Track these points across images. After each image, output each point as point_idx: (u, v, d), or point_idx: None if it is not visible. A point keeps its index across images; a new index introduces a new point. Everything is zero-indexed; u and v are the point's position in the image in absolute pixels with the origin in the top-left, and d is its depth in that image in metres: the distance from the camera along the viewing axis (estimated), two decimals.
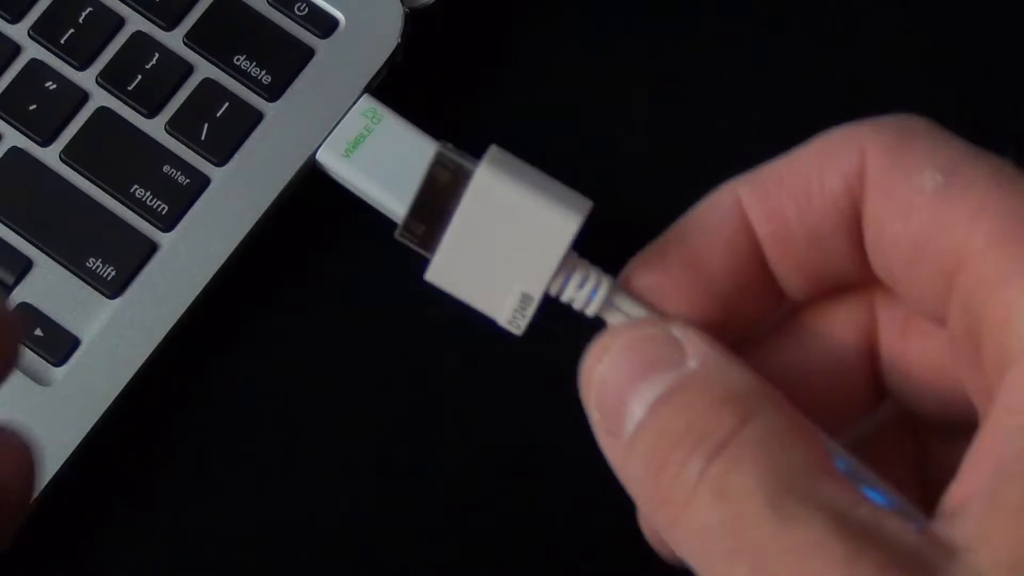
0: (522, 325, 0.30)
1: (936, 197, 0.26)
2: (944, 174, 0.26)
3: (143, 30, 0.46)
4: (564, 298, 0.30)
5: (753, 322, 0.30)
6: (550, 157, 0.48)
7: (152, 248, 0.44)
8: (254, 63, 0.46)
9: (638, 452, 0.27)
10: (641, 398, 0.27)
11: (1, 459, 0.28)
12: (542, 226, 0.29)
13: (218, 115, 0.45)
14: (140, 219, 0.44)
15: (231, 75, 0.46)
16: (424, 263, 0.30)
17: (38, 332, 0.43)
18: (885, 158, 0.27)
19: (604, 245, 0.47)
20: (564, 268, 0.30)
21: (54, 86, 0.46)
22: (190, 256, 0.44)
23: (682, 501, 0.25)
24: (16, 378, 0.42)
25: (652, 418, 0.27)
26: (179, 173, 0.45)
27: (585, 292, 0.30)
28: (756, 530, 0.24)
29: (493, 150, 0.30)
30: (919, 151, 0.27)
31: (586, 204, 0.31)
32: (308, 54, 0.46)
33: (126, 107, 0.46)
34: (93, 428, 0.42)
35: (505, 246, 0.29)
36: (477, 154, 0.30)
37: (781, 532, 0.24)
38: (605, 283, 0.30)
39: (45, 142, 0.45)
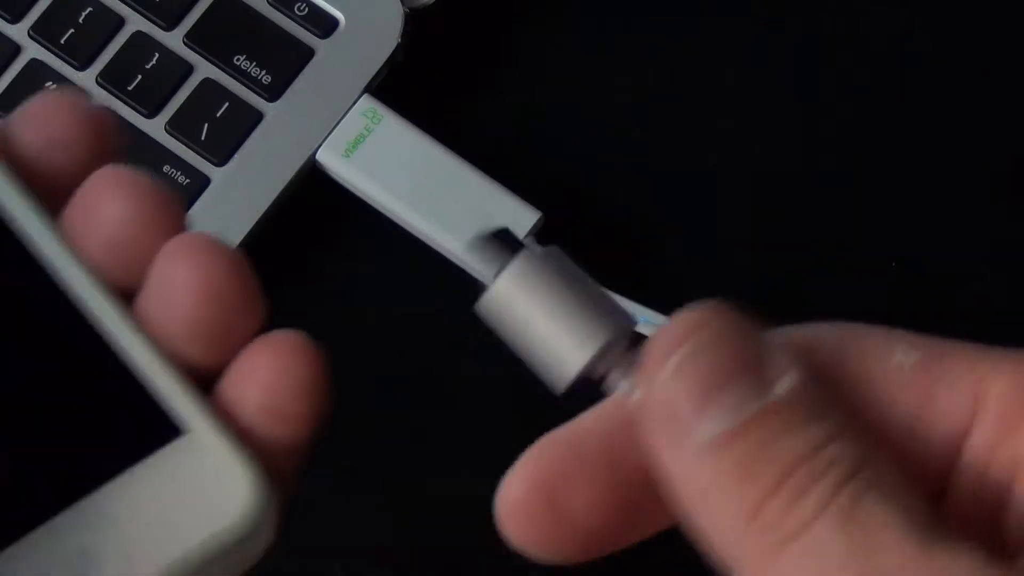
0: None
1: (921, 369, 0.25)
2: (917, 349, 0.25)
3: (143, 30, 0.46)
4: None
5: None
6: (550, 157, 0.48)
7: None
8: (254, 63, 0.46)
9: (728, 464, 0.24)
10: (731, 404, 0.24)
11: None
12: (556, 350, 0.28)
13: (218, 115, 0.45)
14: None
15: (231, 75, 0.46)
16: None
17: None
18: (838, 352, 0.26)
19: (605, 245, 0.47)
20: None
21: (54, 86, 0.46)
22: None
23: (797, 527, 0.24)
24: None
25: (751, 430, 0.24)
26: (179, 173, 0.45)
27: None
28: (895, 556, 0.23)
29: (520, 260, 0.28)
30: (876, 338, 0.26)
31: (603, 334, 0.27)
32: (308, 54, 0.46)
33: (126, 107, 0.46)
34: None
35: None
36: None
37: (925, 561, 0.23)
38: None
39: None
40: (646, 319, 0.44)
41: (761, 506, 0.24)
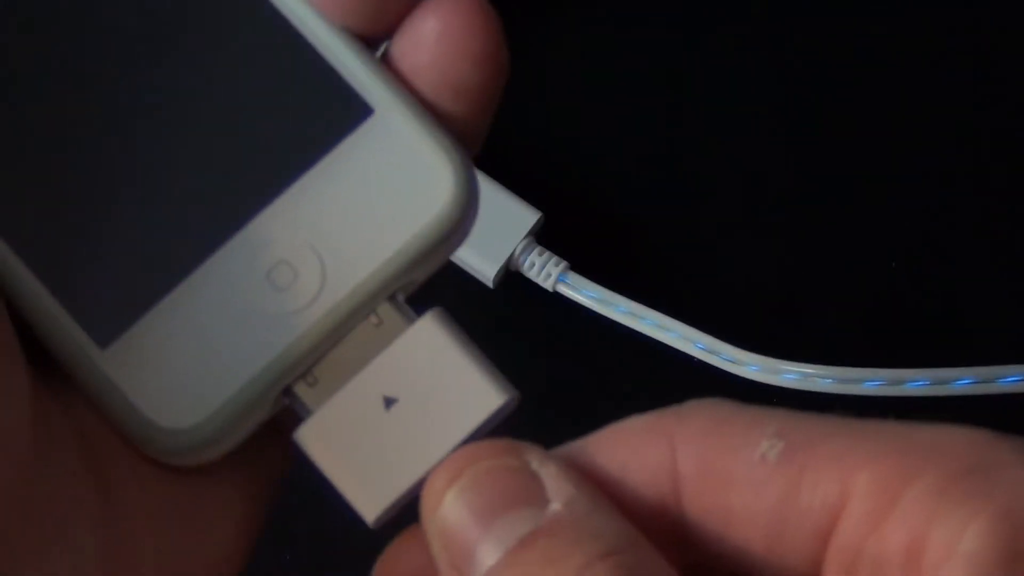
0: None
1: (785, 461, 0.25)
2: (782, 437, 0.25)
3: None
4: None
5: None
6: (550, 157, 0.48)
7: None
8: None
9: None
10: (497, 538, 0.24)
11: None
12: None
13: None
14: None
15: None
16: None
17: None
18: (703, 445, 0.25)
19: (604, 245, 0.47)
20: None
21: None
22: None
23: None
24: None
25: (513, 564, 0.24)
26: None
27: None
28: None
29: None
30: (741, 424, 0.25)
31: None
32: None
33: None
34: None
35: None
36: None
37: None
38: None
39: None
40: (649, 320, 0.44)
41: None
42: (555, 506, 0.24)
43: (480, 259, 0.45)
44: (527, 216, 0.45)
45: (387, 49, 0.27)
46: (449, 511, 0.25)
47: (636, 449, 0.25)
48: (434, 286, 0.47)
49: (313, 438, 0.26)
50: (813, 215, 0.47)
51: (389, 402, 0.26)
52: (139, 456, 0.26)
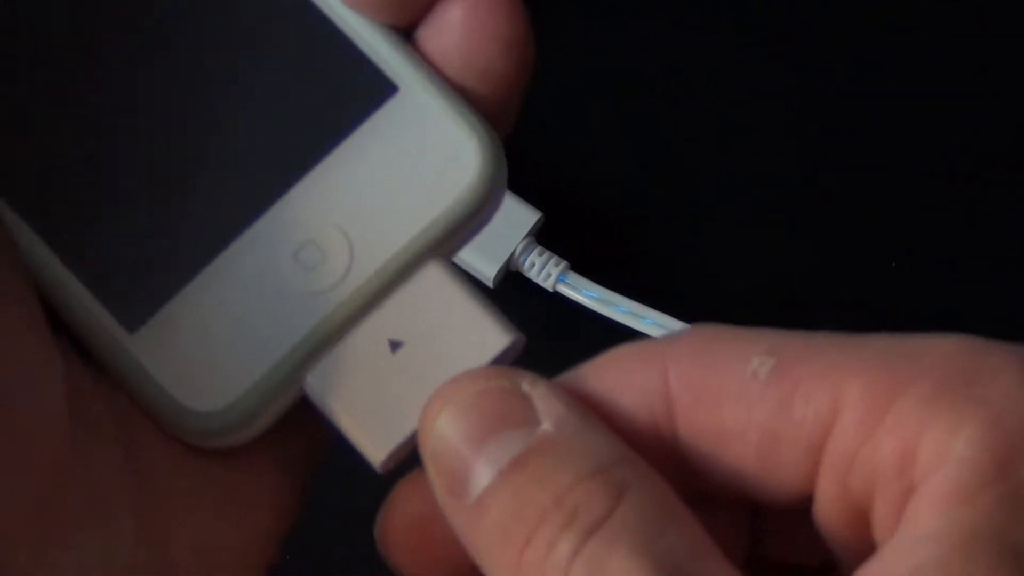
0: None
1: (777, 377, 0.25)
2: (773, 355, 0.25)
3: None
4: None
5: None
6: (550, 157, 0.48)
7: None
8: None
9: (491, 520, 0.24)
10: (489, 459, 0.24)
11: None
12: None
13: None
14: None
15: None
16: None
17: None
18: (694, 364, 0.25)
19: (605, 245, 0.47)
20: None
21: None
22: None
23: None
24: None
25: (505, 485, 0.24)
26: None
27: None
28: None
29: None
30: (733, 344, 0.25)
31: None
32: None
33: None
34: None
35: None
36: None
37: None
38: None
39: None
40: (649, 320, 0.44)
41: (519, 562, 0.24)
42: (545, 426, 0.25)
43: (480, 259, 0.45)
44: (527, 216, 0.45)
45: (413, 35, 0.27)
46: (441, 435, 0.25)
47: (630, 372, 0.25)
48: None
49: (319, 384, 0.26)
50: (813, 215, 0.47)
51: (395, 346, 0.26)
52: (174, 440, 0.26)
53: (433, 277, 0.26)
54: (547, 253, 0.45)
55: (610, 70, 0.48)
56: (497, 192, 0.26)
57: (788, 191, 0.47)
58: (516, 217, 0.45)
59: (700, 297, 0.46)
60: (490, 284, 0.45)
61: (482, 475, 0.24)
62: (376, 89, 0.26)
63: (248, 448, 0.26)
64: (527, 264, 0.45)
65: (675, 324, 0.44)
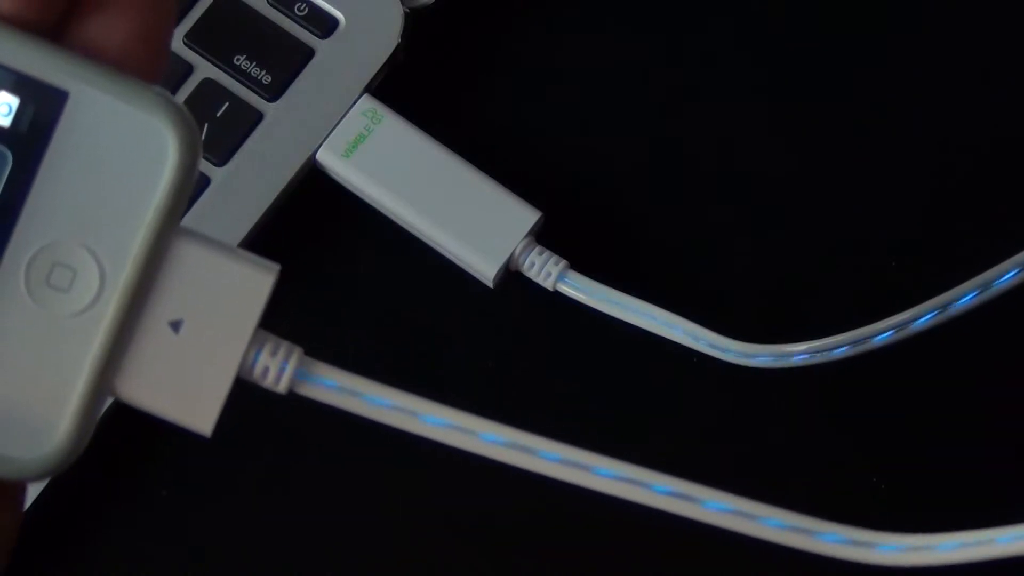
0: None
1: None
2: None
3: None
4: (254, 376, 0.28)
5: None
6: (551, 157, 0.48)
7: None
8: (254, 63, 0.46)
9: None
10: None
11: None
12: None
13: (218, 115, 0.45)
14: None
15: (231, 75, 0.46)
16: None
17: None
18: None
19: (605, 245, 0.47)
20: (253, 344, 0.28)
21: None
22: None
23: None
24: None
25: None
26: None
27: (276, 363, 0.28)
28: None
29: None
30: None
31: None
32: (308, 54, 0.46)
33: None
34: None
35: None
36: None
37: None
38: (296, 354, 0.28)
39: None
40: (650, 318, 0.44)
41: None
42: None
43: (480, 259, 0.45)
44: (527, 216, 0.45)
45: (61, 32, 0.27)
46: None
47: None
48: (434, 286, 0.47)
49: (127, 387, 0.27)
50: (813, 213, 0.47)
51: (176, 325, 0.27)
52: None
53: (184, 249, 0.27)
54: (547, 253, 0.45)
55: (610, 70, 0.48)
56: (195, 143, 0.27)
57: (788, 189, 0.47)
58: (516, 217, 0.45)
59: (700, 296, 0.46)
60: (490, 284, 0.45)
61: None
62: (47, 101, 0.26)
63: None
64: (527, 264, 0.45)
65: (677, 320, 0.44)
